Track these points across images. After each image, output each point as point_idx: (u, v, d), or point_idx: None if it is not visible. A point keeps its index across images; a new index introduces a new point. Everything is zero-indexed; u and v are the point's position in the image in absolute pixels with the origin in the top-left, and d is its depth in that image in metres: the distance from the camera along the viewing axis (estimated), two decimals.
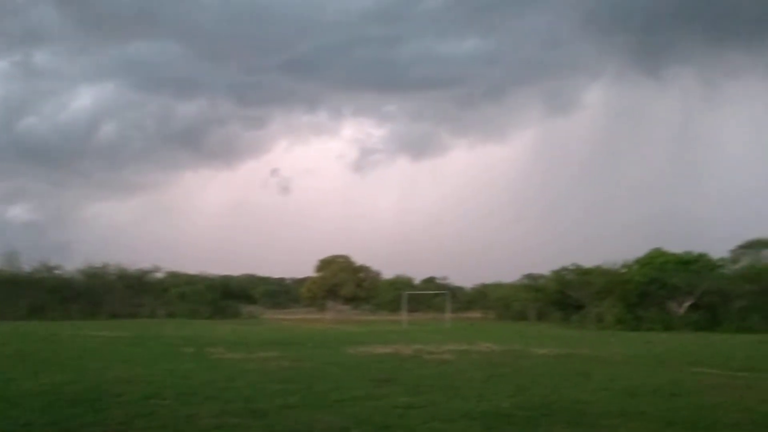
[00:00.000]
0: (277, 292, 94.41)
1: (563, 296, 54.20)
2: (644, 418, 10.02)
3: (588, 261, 54.00)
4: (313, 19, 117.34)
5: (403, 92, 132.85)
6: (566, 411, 10.47)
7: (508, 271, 70.99)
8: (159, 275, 65.96)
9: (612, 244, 68.61)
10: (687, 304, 46.96)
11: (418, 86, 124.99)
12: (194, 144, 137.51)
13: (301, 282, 78.41)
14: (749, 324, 42.90)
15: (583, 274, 52.93)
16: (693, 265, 49.16)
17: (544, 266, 61.76)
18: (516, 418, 9.84)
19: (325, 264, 68.60)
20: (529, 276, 64.88)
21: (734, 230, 57.62)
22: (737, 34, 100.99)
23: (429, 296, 69.41)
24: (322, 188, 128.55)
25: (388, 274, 75.25)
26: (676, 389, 13.29)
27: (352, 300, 71.89)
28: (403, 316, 54.29)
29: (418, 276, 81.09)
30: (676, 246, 51.58)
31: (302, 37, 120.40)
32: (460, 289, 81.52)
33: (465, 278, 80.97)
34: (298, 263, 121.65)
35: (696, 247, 51.25)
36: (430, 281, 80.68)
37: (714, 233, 62.52)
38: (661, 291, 47.53)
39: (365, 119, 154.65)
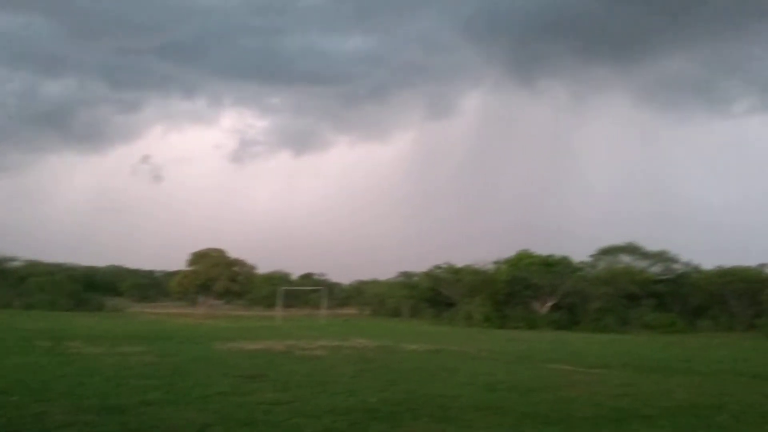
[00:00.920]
0: (146, 285, 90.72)
1: (436, 294, 55.61)
2: (503, 412, 10.42)
3: (461, 260, 55.79)
4: (193, 3, 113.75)
5: (288, 85, 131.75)
6: (430, 405, 10.71)
7: (384, 269, 72.21)
8: (16, 264, 61.84)
9: (484, 245, 71.25)
10: (549, 303, 49.45)
11: (303, 80, 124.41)
12: (60, 126, 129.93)
13: (172, 275, 75.78)
14: (605, 324, 45.81)
15: (455, 272, 54.55)
16: (556, 267, 51.89)
17: (420, 264, 63.31)
18: (381, 413, 9.95)
19: (198, 257, 66.65)
20: (405, 274, 66.08)
21: (595, 235, 61.31)
22: (603, 51, 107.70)
23: (305, 292, 69.12)
24: (197, 178, 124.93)
25: (264, 269, 74.31)
26: (535, 384, 13.92)
27: (226, 295, 70.37)
28: (278, 311, 53.72)
29: (295, 272, 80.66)
30: (541, 248, 54.30)
31: (182, 21, 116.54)
32: (337, 285, 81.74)
33: (342, 275, 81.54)
34: (169, 256, 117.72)
35: (560, 250, 54.20)
36: (307, 277, 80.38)
37: (576, 237, 66.27)
38: (527, 291, 49.79)
39: (246, 110, 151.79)
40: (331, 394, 11.56)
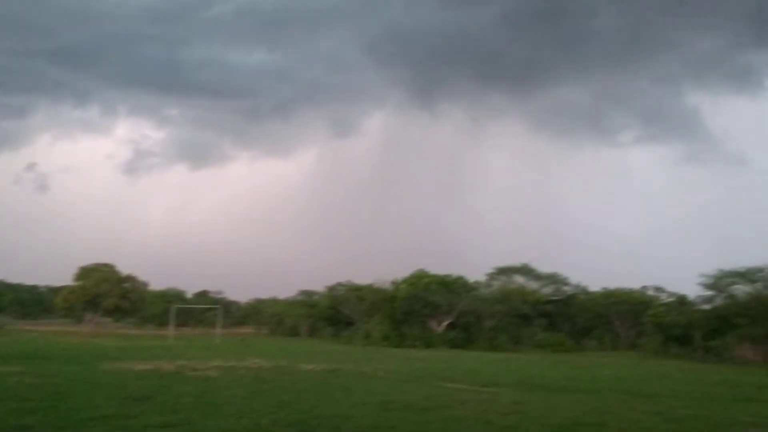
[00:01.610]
0: (29, 301, 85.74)
1: (335, 312, 55.45)
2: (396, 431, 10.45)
3: (361, 279, 55.95)
4: (88, 7, 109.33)
5: (188, 97, 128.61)
6: (323, 426, 10.60)
7: (284, 287, 71.32)
8: None
9: (384, 263, 71.81)
10: (446, 322, 50.28)
11: (204, 93, 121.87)
12: None
13: (57, 291, 71.91)
14: (498, 342, 47.04)
15: (356, 291, 54.64)
16: (453, 286, 52.88)
17: (320, 283, 62.97)
18: None
19: (86, 272, 63.43)
20: (304, 292, 65.54)
21: (491, 256, 63.07)
22: (501, 78, 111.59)
23: (200, 311, 67.27)
24: (87, 189, 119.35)
25: (157, 286, 71.69)
26: (428, 404, 14.05)
27: (115, 312, 67.31)
28: (171, 330, 52.00)
29: (190, 289, 78.27)
30: (440, 267, 55.23)
31: (77, 25, 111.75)
32: (234, 303, 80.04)
33: (240, 293, 79.98)
34: (54, 270, 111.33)
35: (457, 269, 55.27)
36: (203, 295, 78.27)
37: (473, 257, 67.90)
38: (424, 310, 50.43)
39: (143, 120, 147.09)
40: (222, 417, 11.24)
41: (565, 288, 55.19)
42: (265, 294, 76.21)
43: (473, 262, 61.81)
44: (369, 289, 54.21)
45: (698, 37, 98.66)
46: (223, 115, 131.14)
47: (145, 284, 69.01)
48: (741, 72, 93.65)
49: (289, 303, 65.90)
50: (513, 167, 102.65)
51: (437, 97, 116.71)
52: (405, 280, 54.28)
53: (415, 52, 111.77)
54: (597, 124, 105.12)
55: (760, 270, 41.00)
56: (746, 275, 41.41)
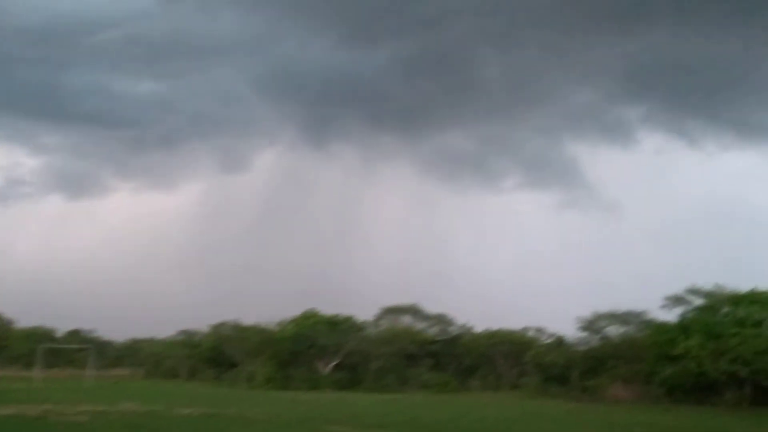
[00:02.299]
0: None
1: (218, 353, 53.65)
2: None
3: (246, 318, 54.48)
4: None
5: (68, 124, 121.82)
6: None
7: (163, 326, 67.97)
8: None
9: (270, 303, 70.30)
10: (333, 363, 49.70)
11: (85, 121, 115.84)
12: None
13: None
14: (385, 383, 46.90)
15: (240, 331, 53.17)
16: (340, 326, 52.47)
17: (202, 322, 60.70)
18: None
19: None
20: (185, 332, 63.04)
21: (380, 296, 63.13)
22: (392, 120, 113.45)
23: (71, 351, 63.18)
24: None
25: (24, 323, 66.93)
26: None
27: None
28: (38, 372, 48.56)
29: (61, 327, 73.42)
30: (329, 307, 54.67)
31: None
32: (109, 343, 75.74)
33: (116, 332, 75.57)
34: None
35: (346, 309, 54.91)
36: (74, 334, 73.57)
37: (361, 297, 67.76)
38: (311, 350, 49.65)
39: (16, 146, 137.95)
40: None
41: (451, 328, 55.93)
42: (142, 333, 72.59)
43: (362, 302, 61.63)
44: (254, 329, 52.86)
45: (577, 91, 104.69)
46: (104, 144, 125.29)
47: (10, 321, 64.49)
48: (615, 125, 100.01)
49: (169, 343, 63.12)
50: (403, 209, 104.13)
51: (330, 137, 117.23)
52: (291, 321, 53.37)
53: (309, 91, 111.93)
54: (482, 169, 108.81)
55: (632, 313, 43.31)
56: (619, 317, 43.62)
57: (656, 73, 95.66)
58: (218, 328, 55.67)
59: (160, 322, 66.81)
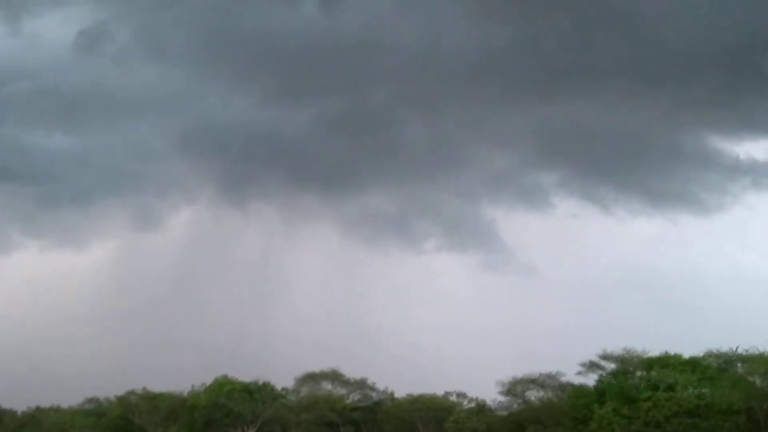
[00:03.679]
0: None
1: (127, 423, 51.03)
2: None
3: (157, 386, 52.17)
4: None
5: None
6: None
7: (68, 394, 64.08)
8: None
9: (184, 369, 67.55)
10: (250, 431, 47.99)
11: None
12: None
13: None
14: None
15: (150, 399, 50.83)
16: (257, 393, 50.82)
17: (111, 390, 57.64)
18: None
19: None
20: (92, 400, 59.73)
21: (300, 361, 61.79)
22: (314, 180, 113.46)
23: None
24: None
25: None
26: None
27: None
28: None
29: None
30: (245, 373, 53.02)
31: None
32: (8, 412, 71.00)
33: (16, 400, 70.82)
34: None
35: (264, 375, 53.40)
36: None
37: (282, 362, 66.16)
38: (226, 419, 47.85)
39: None
40: None
41: (372, 394, 55.16)
42: (46, 402, 68.37)
43: (281, 368, 60.04)
44: (165, 397, 50.63)
45: (495, 156, 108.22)
46: (11, 199, 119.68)
47: None
48: (531, 190, 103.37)
49: (74, 412, 59.54)
50: (324, 270, 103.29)
51: (250, 196, 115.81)
52: (205, 388, 51.41)
53: (230, 148, 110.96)
54: (404, 231, 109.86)
55: (550, 377, 43.89)
56: (538, 382, 44.12)
57: (571, 141, 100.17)
58: (127, 396, 53.05)
59: (65, 389, 63.10)
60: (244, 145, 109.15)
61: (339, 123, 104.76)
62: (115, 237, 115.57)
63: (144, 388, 52.27)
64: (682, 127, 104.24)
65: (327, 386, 54.92)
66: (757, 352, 38.08)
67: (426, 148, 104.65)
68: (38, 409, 68.50)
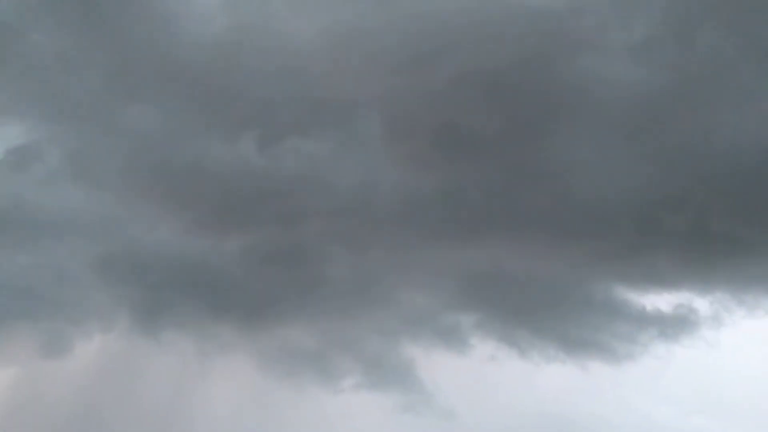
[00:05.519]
0: None
1: None
2: None
3: None
4: None
5: None
6: None
7: None
8: None
9: None
10: None
11: None
12: None
13: None
14: None
15: None
16: None
17: None
18: None
19: None
20: None
21: None
22: (233, 311, 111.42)
23: None
24: None
25: None
26: None
27: None
28: None
29: None
30: None
31: None
32: None
33: None
34: None
35: None
36: None
37: None
38: None
39: None
40: None
41: None
42: None
43: None
44: None
45: (415, 295, 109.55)
46: None
47: None
48: (450, 330, 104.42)
49: None
50: (238, 405, 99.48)
51: (164, 325, 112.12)
52: None
53: (149, 275, 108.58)
54: (321, 367, 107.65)
55: None
56: None
57: (490, 283, 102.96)
58: None
59: None
60: (165, 273, 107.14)
61: (265, 255, 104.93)
62: (17, 363, 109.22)
63: None
64: (594, 278, 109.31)
65: None
66: None
67: (349, 285, 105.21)
68: None
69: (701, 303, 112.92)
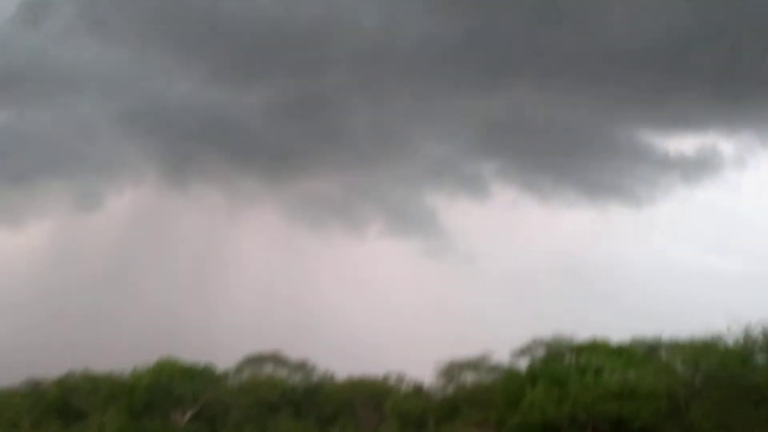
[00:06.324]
0: None
1: (66, 404, 50.62)
2: None
3: (98, 367, 51.87)
4: None
5: None
6: None
7: (5, 376, 62.71)
8: None
9: (125, 351, 66.90)
10: (190, 413, 48.27)
11: None
12: None
13: None
14: None
15: (91, 381, 50.54)
16: (199, 376, 51.11)
17: (50, 370, 56.88)
18: None
19: None
20: (31, 380, 58.82)
21: (243, 343, 62.08)
22: (258, 163, 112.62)
23: None
24: None
25: None
26: None
27: None
28: None
29: None
30: (187, 355, 53.15)
31: None
32: None
33: None
34: None
35: (208, 357, 53.64)
36: None
37: (224, 344, 66.26)
38: (167, 401, 48.03)
39: None
40: None
41: (313, 376, 56.03)
42: None
43: (222, 351, 60.27)
44: (105, 378, 50.41)
45: (436, 145, 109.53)
46: None
47: None
48: (471, 178, 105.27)
49: (11, 393, 58.59)
50: (266, 255, 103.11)
51: (191, 178, 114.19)
52: (146, 370, 51.38)
53: (174, 128, 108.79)
54: (347, 217, 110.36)
55: (483, 359, 45.64)
56: (472, 365, 45.82)
57: (511, 130, 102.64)
58: (66, 378, 52.56)
59: (2, 369, 61.86)
60: (187, 126, 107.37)
61: (287, 106, 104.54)
62: (54, 217, 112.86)
63: (85, 369, 51.99)
64: (617, 122, 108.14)
65: (269, 368, 55.61)
66: (679, 341, 40.22)
67: (372, 135, 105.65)
68: None
69: (726, 145, 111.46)
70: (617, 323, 51.18)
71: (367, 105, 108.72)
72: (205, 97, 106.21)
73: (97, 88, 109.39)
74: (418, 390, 50.36)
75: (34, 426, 51.83)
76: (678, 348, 40.10)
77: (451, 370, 46.26)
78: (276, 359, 55.69)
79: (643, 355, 41.20)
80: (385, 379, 53.51)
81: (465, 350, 47.06)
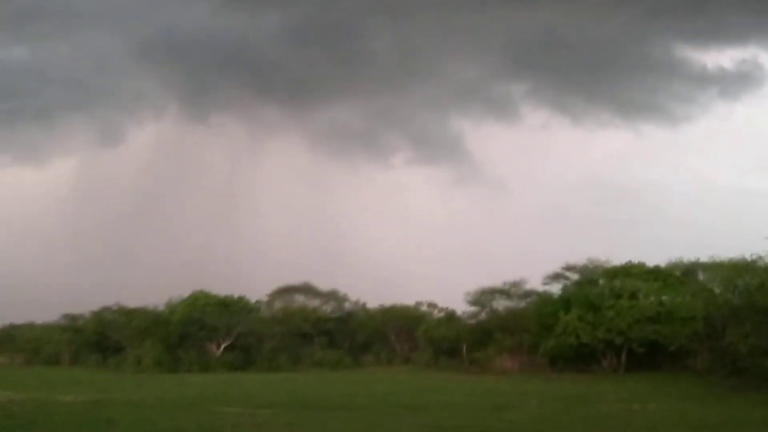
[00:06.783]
0: None
1: (103, 338, 51.57)
2: None
3: (132, 301, 52.52)
4: None
5: None
6: None
7: (43, 311, 63.84)
8: None
9: (158, 284, 67.72)
10: (224, 344, 48.90)
11: None
12: None
13: None
14: (278, 363, 46.66)
15: (126, 315, 51.28)
16: (232, 307, 51.62)
17: (86, 306, 57.82)
18: None
19: None
20: (68, 316, 60.08)
21: (272, 275, 62.35)
22: (277, 93, 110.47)
23: None
24: None
25: None
26: (199, 431, 13.38)
27: None
28: None
29: None
30: (218, 288, 53.57)
31: None
32: None
33: None
34: None
35: (237, 290, 54.01)
36: None
37: (253, 277, 66.68)
38: (201, 332, 48.61)
39: None
40: None
41: (345, 305, 56.40)
42: (20, 319, 68.59)
43: (254, 282, 60.60)
44: (141, 312, 51.13)
45: (462, 67, 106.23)
46: None
47: None
48: (500, 101, 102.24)
49: (49, 328, 60.03)
50: (292, 185, 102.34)
51: (211, 108, 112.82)
52: (180, 302, 52.01)
53: (190, 59, 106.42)
54: (371, 145, 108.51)
55: (515, 285, 45.04)
56: (504, 291, 45.28)
57: (541, 50, 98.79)
58: (102, 312, 53.44)
59: (39, 306, 63.04)
60: (205, 54, 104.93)
61: (305, 31, 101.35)
62: (77, 153, 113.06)
63: (117, 303, 52.74)
64: (651, 36, 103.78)
65: (300, 299, 55.98)
66: (717, 262, 39.20)
67: (394, 58, 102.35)
68: (12, 325, 68.88)
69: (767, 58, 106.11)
70: (653, 248, 49.91)
71: (390, 27, 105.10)
72: (221, 22, 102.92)
73: (111, 20, 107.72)
74: (450, 317, 50.30)
75: (73, 359, 53.15)
76: (715, 269, 39.01)
77: (483, 297, 45.84)
78: (307, 290, 55.98)
79: (679, 277, 40.26)
80: (417, 306, 53.56)
81: (496, 278, 46.57)
